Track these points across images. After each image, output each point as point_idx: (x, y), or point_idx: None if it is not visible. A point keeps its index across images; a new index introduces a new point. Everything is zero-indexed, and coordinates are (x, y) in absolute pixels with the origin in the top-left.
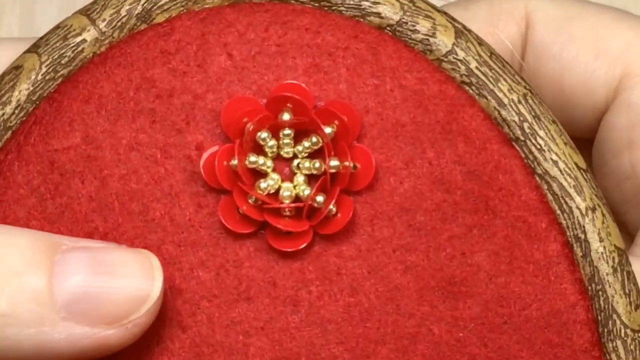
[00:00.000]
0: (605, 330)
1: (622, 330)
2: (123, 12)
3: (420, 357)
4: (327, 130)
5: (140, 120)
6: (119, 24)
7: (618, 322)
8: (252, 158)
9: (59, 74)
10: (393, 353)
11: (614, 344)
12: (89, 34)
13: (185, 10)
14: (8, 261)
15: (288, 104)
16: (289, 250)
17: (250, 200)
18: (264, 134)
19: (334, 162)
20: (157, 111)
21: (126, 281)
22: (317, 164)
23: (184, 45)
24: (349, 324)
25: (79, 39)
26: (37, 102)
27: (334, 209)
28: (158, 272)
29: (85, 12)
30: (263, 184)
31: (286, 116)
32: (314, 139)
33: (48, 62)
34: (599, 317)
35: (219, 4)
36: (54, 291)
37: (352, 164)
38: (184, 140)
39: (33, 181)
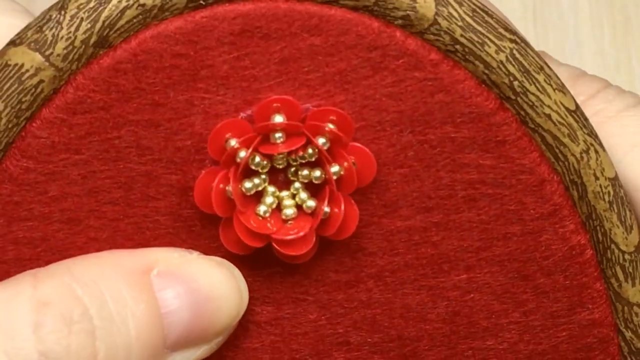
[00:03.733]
0: (604, 259)
1: (621, 257)
2: (77, 44)
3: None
4: (321, 140)
5: (125, 156)
6: (76, 56)
7: (616, 251)
8: (248, 184)
9: (21, 119)
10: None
11: (614, 270)
12: (46, 74)
13: (144, 27)
14: (121, 316)
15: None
16: (296, 262)
17: (252, 229)
18: (257, 159)
19: (335, 169)
20: (141, 143)
21: (220, 303)
22: (318, 173)
23: (149, 71)
24: (368, 308)
25: (35, 80)
26: (4, 151)
27: (339, 212)
28: (242, 283)
29: (34, 45)
30: (262, 208)
31: (278, 118)
32: (310, 151)
33: (7, 111)
34: (598, 249)
35: (179, 13)
36: (165, 332)
37: (352, 165)
38: (173, 167)
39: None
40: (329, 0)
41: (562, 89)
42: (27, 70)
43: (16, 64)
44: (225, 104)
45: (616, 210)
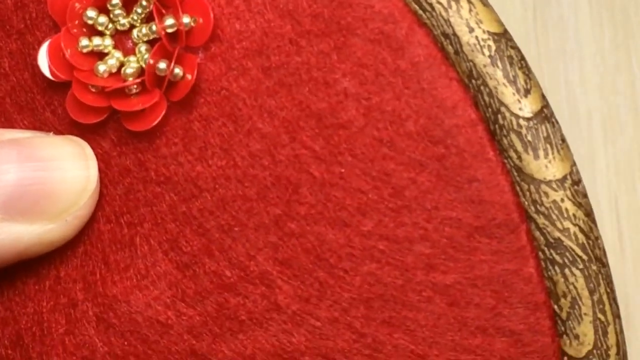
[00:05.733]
0: (497, 126)
1: (514, 122)
2: None
3: (306, 204)
4: None
5: None
6: None
7: (508, 114)
8: (84, 42)
9: None
10: (278, 206)
11: (509, 139)
12: None
13: None
14: None
15: None
16: (146, 129)
17: (92, 89)
18: (90, 13)
19: (170, 21)
20: None
21: (62, 173)
22: (154, 27)
23: None
24: (226, 188)
25: None
26: None
27: (181, 72)
28: (92, 161)
29: None
30: (101, 67)
31: None
32: (144, 2)
33: None
34: (487, 114)
35: None
36: None
37: (190, 19)
38: (26, 42)
39: None
40: None
41: None
42: None
43: None
44: None
45: (501, 67)
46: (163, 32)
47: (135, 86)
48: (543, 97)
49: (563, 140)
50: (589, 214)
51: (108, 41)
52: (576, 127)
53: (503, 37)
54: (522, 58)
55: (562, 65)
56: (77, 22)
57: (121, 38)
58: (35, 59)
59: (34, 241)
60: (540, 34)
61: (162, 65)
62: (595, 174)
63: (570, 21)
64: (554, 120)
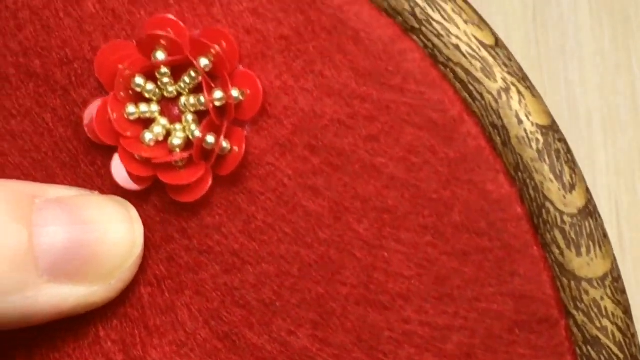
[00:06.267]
0: (541, 220)
1: (559, 218)
2: None
3: (348, 285)
4: (204, 62)
5: (24, 86)
6: None
7: (552, 209)
8: (131, 109)
9: None
10: (320, 285)
11: (552, 235)
12: None
13: None
14: None
15: (161, 41)
16: (191, 201)
17: (137, 157)
18: (138, 80)
19: (218, 94)
20: (39, 73)
21: (109, 236)
22: (202, 99)
23: None
24: (268, 263)
25: None
26: None
27: (228, 146)
28: (138, 224)
29: None
30: (148, 136)
31: (160, 55)
32: (193, 74)
33: None
34: (532, 208)
35: None
36: (37, 255)
37: (237, 92)
38: (70, 99)
39: None
40: None
41: (478, 23)
42: None
43: None
44: (114, 29)
45: (548, 162)
46: (211, 105)
47: (181, 160)
48: (587, 191)
49: (605, 235)
50: (627, 310)
51: (155, 107)
52: (576, 127)
53: (551, 129)
54: (569, 151)
55: (562, 65)
56: (124, 87)
57: (167, 104)
58: (79, 117)
59: (77, 302)
60: (540, 34)
61: (210, 139)
62: (595, 174)
63: (570, 21)
64: (597, 215)
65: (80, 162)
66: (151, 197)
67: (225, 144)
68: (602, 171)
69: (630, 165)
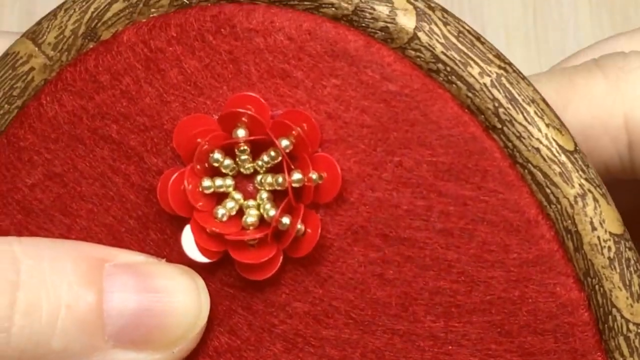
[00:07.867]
0: (606, 327)
1: (624, 326)
2: (67, 33)
3: None
4: (285, 142)
5: (99, 149)
6: (66, 46)
7: (619, 317)
8: (207, 183)
9: (13, 106)
10: None
11: (616, 342)
12: (37, 61)
13: (130, 23)
14: (57, 288)
15: (243, 118)
16: (259, 279)
17: (208, 230)
18: (216, 155)
19: (297, 176)
20: (115, 138)
21: (176, 306)
22: (280, 179)
23: (132, 64)
24: (335, 348)
25: (27, 67)
26: None
27: (302, 228)
28: (204, 295)
29: (31, 35)
30: (221, 211)
31: (241, 132)
32: (273, 153)
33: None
34: (598, 314)
35: (164, 12)
36: (105, 320)
37: (316, 176)
38: (144, 166)
39: (1, 224)
40: (309, 8)
41: (559, 127)
42: (21, 57)
43: (14, 52)
44: (195, 102)
45: (618, 271)
46: (290, 187)
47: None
48: None
49: None
50: None
51: (229, 181)
52: None
53: (622, 238)
54: (638, 260)
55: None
56: (202, 160)
57: (242, 179)
58: (151, 184)
59: None
60: (540, 34)
61: (286, 220)
62: None
63: (570, 21)
64: None
65: (149, 230)
66: (218, 270)
67: (300, 226)
68: None
69: None
